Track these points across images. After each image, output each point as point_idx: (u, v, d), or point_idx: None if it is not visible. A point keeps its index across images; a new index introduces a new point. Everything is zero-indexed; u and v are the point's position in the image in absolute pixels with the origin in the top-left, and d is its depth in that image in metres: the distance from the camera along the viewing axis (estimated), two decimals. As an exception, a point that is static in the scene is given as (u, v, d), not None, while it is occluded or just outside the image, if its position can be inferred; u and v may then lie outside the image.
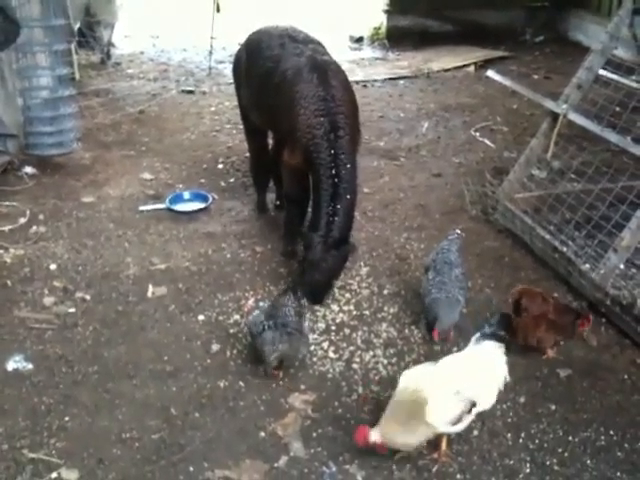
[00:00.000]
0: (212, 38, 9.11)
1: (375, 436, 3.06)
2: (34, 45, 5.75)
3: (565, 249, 4.57)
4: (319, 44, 4.83)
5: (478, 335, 3.37)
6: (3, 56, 5.69)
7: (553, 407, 3.52)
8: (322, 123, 4.28)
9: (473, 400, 3.06)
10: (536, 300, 3.85)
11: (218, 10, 8.92)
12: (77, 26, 8.54)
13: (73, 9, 7.66)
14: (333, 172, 4.25)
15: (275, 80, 4.57)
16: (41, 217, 5.22)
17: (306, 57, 4.53)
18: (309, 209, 4.82)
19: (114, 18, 9.20)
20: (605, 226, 4.45)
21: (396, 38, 10.53)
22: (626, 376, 3.75)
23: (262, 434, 3.32)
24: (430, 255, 4.30)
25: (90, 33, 9.00)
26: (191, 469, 3.12)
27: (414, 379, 3.09)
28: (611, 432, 3.37)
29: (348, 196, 4.30)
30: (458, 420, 3.05)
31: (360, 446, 3.11)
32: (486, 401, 3.16)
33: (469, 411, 3.06)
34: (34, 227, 5.08)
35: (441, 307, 3.89)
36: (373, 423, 3.16)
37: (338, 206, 4.24)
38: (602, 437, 3.34)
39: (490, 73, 6.15)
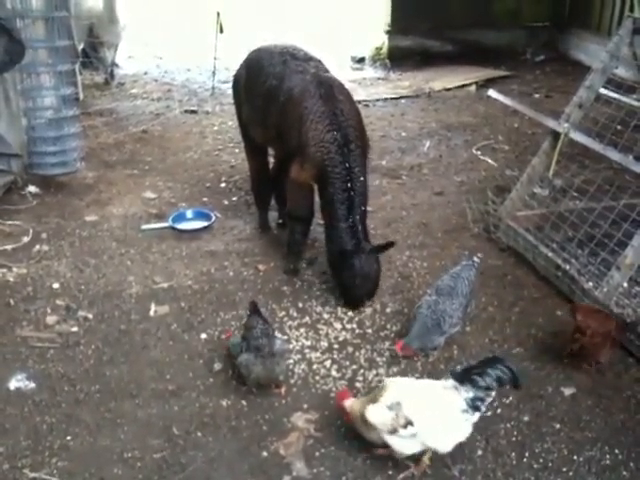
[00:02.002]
0: (215, 58, 9.19)
1: (348, 405, 3.26)
2: (38, 66, 5.80)
3: (568, 267, 4.57)
4: (320, 62, 4.87)
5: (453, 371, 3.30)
6: (8, 77, 5.74)
7: (557, 426, 3.50)
8: (335, 137, 4.34)
9: (408, 418, 3.02)
10: (600, 319, 3.84)
11: (221, 31, 9.01)
12: (81, 47, 8.62)
13: (77, 30, 7.76)
14: (349, 185, 4.31)
15: (280, 98, 4.60)
16: (44, 236, 5.23)
17: (310, 74, 4.58)
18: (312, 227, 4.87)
19: (117, 39, 9.30)
20: (608, 244, 4.45)
21: (397, 58, 10.63)
22: (630, 394, 3.72)
23: (264, 454, 3.30)
24: (445, 275, 4.20)
25: (94, 54, 9.11)
26: (193, 489, 3.11)
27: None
28: (616, 451, 3.34)
29: (362, 207, 4.39)
30: (393, 430, 3.05)
31: (336, 403, 3.39)
32: (431, 436, 3.07)
33: (405, 427, 3.03)
34: (37, 246, 5.08)
35: (419, 325, 3.86)
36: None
37: (357, 217, 4.34)
38: (607, 456, 3.32)
39: (491, 92, 6.18)
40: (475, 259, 4.22)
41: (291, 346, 4.00)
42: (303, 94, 4.49)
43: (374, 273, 4.39)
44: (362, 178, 4.39)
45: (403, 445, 3.11)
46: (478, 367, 3.16)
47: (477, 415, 3.10)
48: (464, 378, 3.11)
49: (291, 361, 3.90)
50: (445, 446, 3.11)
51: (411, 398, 3.13)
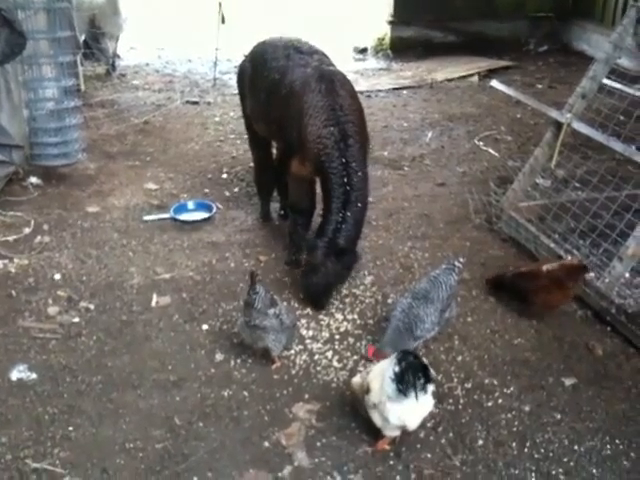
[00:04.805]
0: (217, 49, 9.16)
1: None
2: (40, 57, 5.78)
3: (570, 258, 4.56)
4: (324, 55, 4.85)
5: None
6: (9, 68, 5.72)
7: (558, 416, 3.50)
8: (332, 132, 4.29)
9: (369, 385, 3.16)
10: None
11: (223, 22, 8.97)
12: (82, 38, 8.59)
13: (78, 21, 7.73)
14: (345, 180, 4.26)
15: (282, 91, 4.59)
16: (46, 227, 5.23)
17: (312, 68, 4.55)
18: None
19: (119, 30, 9.27)
20: (610, 234, 4.45)
21: (400, 49, 10.59)
22: (631, 384, 3.73)
23: (266, 444, 3.31)
24: (424, 278, 4.11)
25: (95, 45, 9.08)
26: (195, 479, 3.11)
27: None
28: (617, 441, 3.35)
29: (359, 204, 4.33)
30: (362, 398, 3.23)
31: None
32: (383, 405, 3.11)
33: (367, 392, 3.17)
34: (39, 237, 5.08)
35: (392, 330, 3.80)
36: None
37: (348, 214, 4.27)
38: (608, 446, 3.33)
39: (494, 83, 6.16)
40: (456, 263, 3.99)
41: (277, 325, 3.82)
42: (304, 88, 4.45)
43: (326, 276, 4.25)
44: (360, 173, 4.32)
45: (376, 418, 3.17)
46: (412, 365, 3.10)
47: (405, 400, 3.05)
48: (400, 360, 3.09)
49: (292, 352, 3.91)
50: (394, 418, 3.11)
51: (375, 367, 3.27)
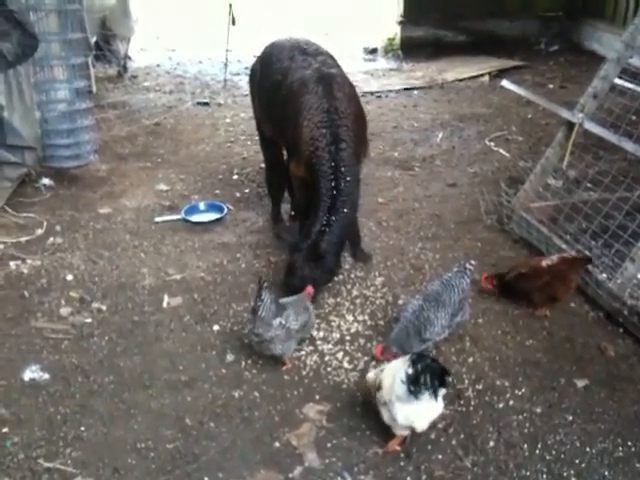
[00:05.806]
0: (227, 50, 9.19)
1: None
2: (52, 59, 5.81)
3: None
4: (329, 56, 4.84)
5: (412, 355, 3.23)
6: (21, 70, 5.76)
7: (570, 418, 3.48)
8: (324, 135, 4.29)
9: (381, 382, 3.18)
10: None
11: (234, 23, 9.01)
12: (94, 40, 8.65)
13: (90, 23, 7.77)
14: (333, 184, 4.25)
15: (283, 92, 4.61)
16: (58, 228, 5.27)
17: (313, 69, 4.55)
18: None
19: (130, 32, 9.33)
20: (622, 235, 4.42)
21: (410, 49, 10.60)
22: (644, 386, 3.71)
23: (277, 444, 3.31)
24: (436, 280, 4.07)
25: (107, 46, 9.13)
26: (206, 479, 3.12)
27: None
28: (629, 443, 3.33)
29: (346, 209, 4.29)
30: (374, 395, 3.24)
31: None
32: (393, 404, 3.12)
33: (378, 389, 3.18)
34: (51, 238, 5.12)
35: (399, 330, 3.79)
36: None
37: (333, 218, 4.25)
38: (620, 448, 3.31)
39: (505, 83, 6.14)
40: (468, 265, 3.97)
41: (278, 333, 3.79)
42: (301, 89, 4.46)
43: (303, 280, 4.18)
44: (349, 178, 4.29)
45: (386, 416, 3.18)
46: (429, 366, 3.09)
47: (415, 401, 3.05)
48: (415, 362, 3.08)
49: (303, 353, 3.92)
50: (402, 418, 3.11)
51: (389, 365, 3.28)
